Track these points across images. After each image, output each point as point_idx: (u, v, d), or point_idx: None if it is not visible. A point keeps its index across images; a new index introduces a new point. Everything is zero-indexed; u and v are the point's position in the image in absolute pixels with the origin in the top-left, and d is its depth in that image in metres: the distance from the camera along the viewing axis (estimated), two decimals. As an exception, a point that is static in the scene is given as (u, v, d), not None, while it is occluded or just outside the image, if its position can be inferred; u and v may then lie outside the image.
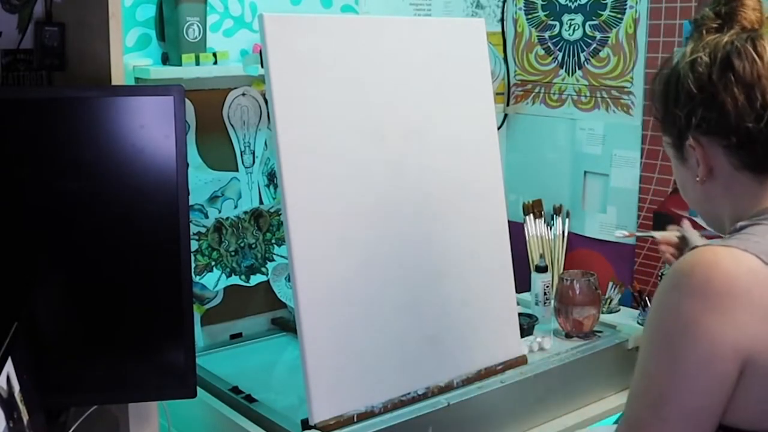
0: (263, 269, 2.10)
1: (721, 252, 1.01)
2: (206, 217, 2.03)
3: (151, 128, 1.31)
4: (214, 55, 1.93)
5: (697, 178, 1.12)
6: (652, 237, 1.76)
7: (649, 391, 1.03)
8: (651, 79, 1.23)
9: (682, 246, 1.60)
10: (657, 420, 1.01)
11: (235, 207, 2.08)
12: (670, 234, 1.59)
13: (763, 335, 0.98)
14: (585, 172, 2.49)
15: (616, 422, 1.98)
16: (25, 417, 1.13)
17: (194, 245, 1.97)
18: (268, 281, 2.12)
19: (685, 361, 0.99)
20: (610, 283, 2.34)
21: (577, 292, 1.99)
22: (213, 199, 2.05)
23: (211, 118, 2.02)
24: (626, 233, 1.87)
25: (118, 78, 1.35)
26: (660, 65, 1.19)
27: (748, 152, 1.08)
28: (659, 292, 1.05)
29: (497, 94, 2.60)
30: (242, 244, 2.07)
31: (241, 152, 2.09)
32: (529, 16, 2.60)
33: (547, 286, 2.13)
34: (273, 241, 2.11)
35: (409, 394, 1.64)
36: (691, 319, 0.98)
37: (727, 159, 1.10)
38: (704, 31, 1.13)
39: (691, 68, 1.10)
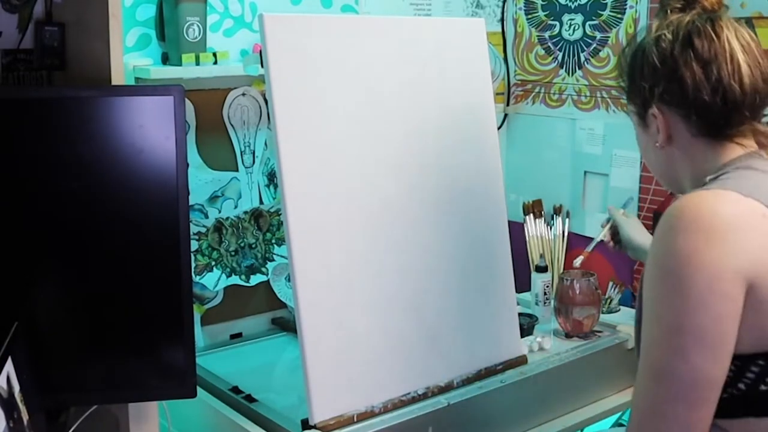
0: (263, 269, 2.10)
1: (705, 193, 1.13)
2: (206, 217, 2.03)
3: (151, 128, 1.31)
4: (214, 55, 1.93)
5: (657, 144, 1.25)
6: (599, 242, 1.85)
7: (663, 332, 1.08)
8: (619, 52, 1.33)
9: (616, 232, 1.79)
10: (677, 356, 1.06)
11: (235, 207, 2.08)
12: (605, 230, 1.78)
13: (761, 261, 1.07)
14: (585, 172, 2.49)
15: (615, 423, 1.99)
16: (25, 417, 1.13)
17: (194, 245, 1.98)
18: (268, 281, 2.12)
19: (691, 291, 1.05)
20: (610, 283, 2.34)
21: (577, 292, 1.99)
22: (213, 199, 2.05)
23: (211, 118, 2.02)
24: (582, 257, 1.90)
25: (118, 78, 1.35)
26: (628, 40, 1.35)
27: (704, 121, 1.20)
28: (654, 239, 1.13)
29: (497, 94, 2.60)
30: (242, 244, 2.07)
31: (241, 152, 2.09)
32: (529, 16, 2.60)
33: (547, 286, 2.13)
34: (273, 241, 2.11)
35: (409, 394, 1.64)
36: (689, 252, 1.06)
37: (686, 127, 1.22)
38: (669, 11, 1.25)
39: (655, 44, 1.22)
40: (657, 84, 1.21)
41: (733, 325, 1.06)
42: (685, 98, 1.19)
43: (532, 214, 2.49)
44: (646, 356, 1.12)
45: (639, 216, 2.34)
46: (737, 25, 1.22)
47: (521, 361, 1.83)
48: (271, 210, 2.11)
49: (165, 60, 1.94)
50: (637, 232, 1.76)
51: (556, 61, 2.54)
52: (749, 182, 1.14)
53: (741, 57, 1.18)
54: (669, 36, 1.20)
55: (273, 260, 2.11)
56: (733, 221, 1.08)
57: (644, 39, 1.25)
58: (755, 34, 2.03)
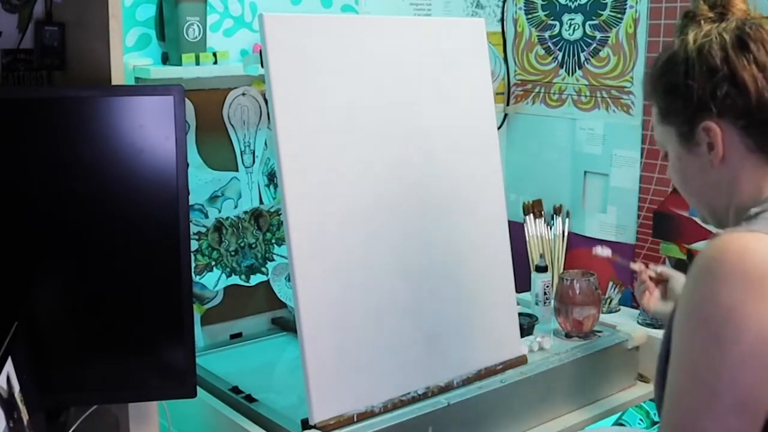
0: (263, 269, 2.11)
1: (748, 236, 1.00)
2: (206, 216, 2.03)
3: (151, 128, 1.31)
4: (214, 54, 1.93)
5: (710, 163, 1.12)
6: (631, 268, 1.73)
7: (696, 386, 0.98)
8: (650, 69, 1.23)
9: (663, 282, 1.62)
10: (707, 417, 0.97)
11: (235, 207, 2.08)
12: (649, 270, 1.61)
13: None
14: (585, 172, 2.49)
15: (616, 422, 1.99)
16: (25, 417, 1.14)
17: (194, 245, 1.98)
18: (268, 281, 2.12)
19: (732, 349, 0.95)
20: (610, 283, 2.34)
21: (577, 292, 1.99)
22: (213, 198, 2.05)
23: (211, 118, 2.02)
24: (608, 255, 1.82)
25: (118, 78, 1.35)
26: (658, 55, 1.20)
27: (765, 131, 1.09)
28: (690, 282, 1.02)
29: (497, 94, 2.60)
30: (242, 244, 2.07)
31: (241, 152, 2.09)
32: (529, 16, 2.60)
33: (547, 286, 2.13)
34: (273, 241, 2.11)
35: (409, 394, 1.64)
36: (732, 306, 0.96)
37: (742, 140, 1.10)
38: (702, 21, 1.15)
39: (703, 51, 1.11)
40: (712, 93, 1.09)
41: None
42: (747, 105, 1.08)
43: (532, 214, 2.49)
44: (671, 410, 1.01)
45: (639, 216, 2.34)
46: None
47: (521, 361, 1.83)
48: (271, 210, 2.11)
49: (165, 60, 1.94)
50: None
51: (556, 61, 2.54)
52: None
53: None
54: (719, 40, 1.10)
55: (273, 260, 2.11)
56: None
57: (683, 50, 1.14)
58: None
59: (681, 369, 1.01)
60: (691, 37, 1.14)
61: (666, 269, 1.66)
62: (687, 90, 1.11)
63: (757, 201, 1.10)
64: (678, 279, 1.62)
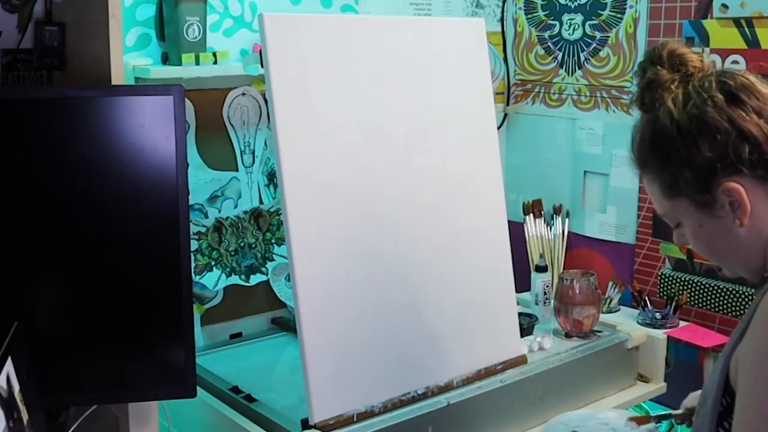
0: (263, 269, 2.10)
1: None
2: (206, 216, 2.03)
3: (151, 128, 1.31)
4: (214, 54, 1.93)
5: (738, 222, 1.08)
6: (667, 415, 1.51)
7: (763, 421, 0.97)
8: (637, 147, 1.17)
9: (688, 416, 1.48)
10: None
11: (235, 207, 2.08)
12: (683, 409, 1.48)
13: None
14: (585, 172, 2.49)
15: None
16: (25, 417, 1.13)
17: (194, 245, 1.98)
18: (268, 281, 2.12)
19: None
20: (610, 283, 2.34)
21: (577, 291, 1.99)
22: (213, 198, 2.05)
23: (211, 118, 2.02)
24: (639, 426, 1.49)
25: (118, 78, 1.35)
26: (639, 131, 1.16)
27: None
28: (761, 325, 1.00)
29: (497, 93, 2.60)
30: (242, 244, 2.07)
31: (241, 152, 2.09)
32: (529, 16, 2.60)
33: (547, 286, 2.13)
34: (273, 240, 2.11)
35: (408, 393, 1.64)
36: None
37: (763, 188, 1.07)
38: (670, 86, 1.13)
39: (698, 117, 1.08)
40: (723, 155, 1.06)
41: None
42: (761, 154, 1.06)
43: (532, 214, 2.49)
44: None
45: (638, 216, 2.34)
46: (745, 72, 1.13)
47: (521, 361, 1.83)
48: (271, 210, 2.11)
49: (165, 60, 1.94)
50: None
51: (556, 61, 2.54)
52: None
53: None
54: (709, 105, 1.08)
55: (273, 260, 2.11)
56: None
57: (664, 124, 1.11)
58: (755, 34, 2.04)
59: (753, 409, 0.99)
60: (670, 104, 1.11)
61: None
62: (693, 159, 1.08)
63: None
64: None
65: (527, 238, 2.46)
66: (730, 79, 1.09)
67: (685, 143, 1.09)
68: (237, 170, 2.09)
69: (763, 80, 1.11)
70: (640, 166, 1.19)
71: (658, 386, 2.00)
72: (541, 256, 2.35)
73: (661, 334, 2.05)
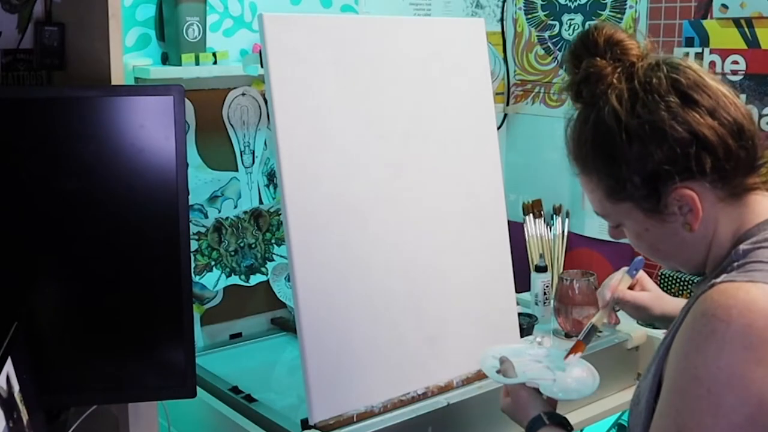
0: (263, 269, 2.10)
1: (753, 291, 0.93)
2: (206, 217, 2.03)
3: (151, 128, 1.31)
4: (214, 55, 1.93)
5: (688, 226, 1.04)
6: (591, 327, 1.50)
7: None
8: (572, 138, 1.11)
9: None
10: None
11: (235, 207, 2.08)
12: (602, 313, 1.46)
13: None
14: (585, 172, 2.49)
15: (615, 423, 1.99)
16: (25, 417, 1.13)
17: (194, 245, 1.98)
18: (268, 281, 2.12)
19: (730, 418, 0.90)
20: (610, 283, 2.34)
21: (577, 292, 1.99)
22: (213, 199, 2.05)
23: (211, 118, 2.02)
24: (573, 355, 1.47)
25: (118, 78, 1.35)
26: (577, 124, 1.09)
27: (735, 176, 1.02)
28: (692, 336, 0.95)
29: (497, 94, 2.60)
30: (242, 244, 2.07)
31: (241, 152, 2.09)
32: (529, 16, 2.60)
33: (547, 286, 2.13)
34: (273, 241, 2.11)
35: (408, 393, 1.64)
36: (735, 372, 0.90)
37: (713, 193, 1.03)
38: (612, 80, 1.05)
39: (647, 118, 1.01)
40: (673, 159, 1.00)
41: None
42: (715, 160, 1.00)
43: (531, 214, 2.49)
44: None
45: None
46: (686, 59, 1.06)
47: (521, 361, 1.83)
48: (271, 210, 2.11)
49: (165, 60, 1.94)
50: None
51: (556, 61, 2.54)
52: None
53: (723, 88, 1.03)
54: (661, 106, 1.00)
55: (273, 260, 2.11)
56: None
57: (604, 119, 1.04)
58: (755, 34, 2.04)
59: (673, 426, 0.95)
60: (615, 102, 1.03)
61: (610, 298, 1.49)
62: (643, 165, 1.02)
63: (739, 238, 1.04)
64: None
65: (527, 238, 2.46)
66: (681, 76, 1.02)
67: (633, 148, 1.02)
68: (237, 170, 2.09)
69: (706, 69, 1.05)
70: (579, 166, 1.13)
71: (658, 386, 2.00)
72: (541, 256, 2.35)
73: (660, 334, 2.05)
